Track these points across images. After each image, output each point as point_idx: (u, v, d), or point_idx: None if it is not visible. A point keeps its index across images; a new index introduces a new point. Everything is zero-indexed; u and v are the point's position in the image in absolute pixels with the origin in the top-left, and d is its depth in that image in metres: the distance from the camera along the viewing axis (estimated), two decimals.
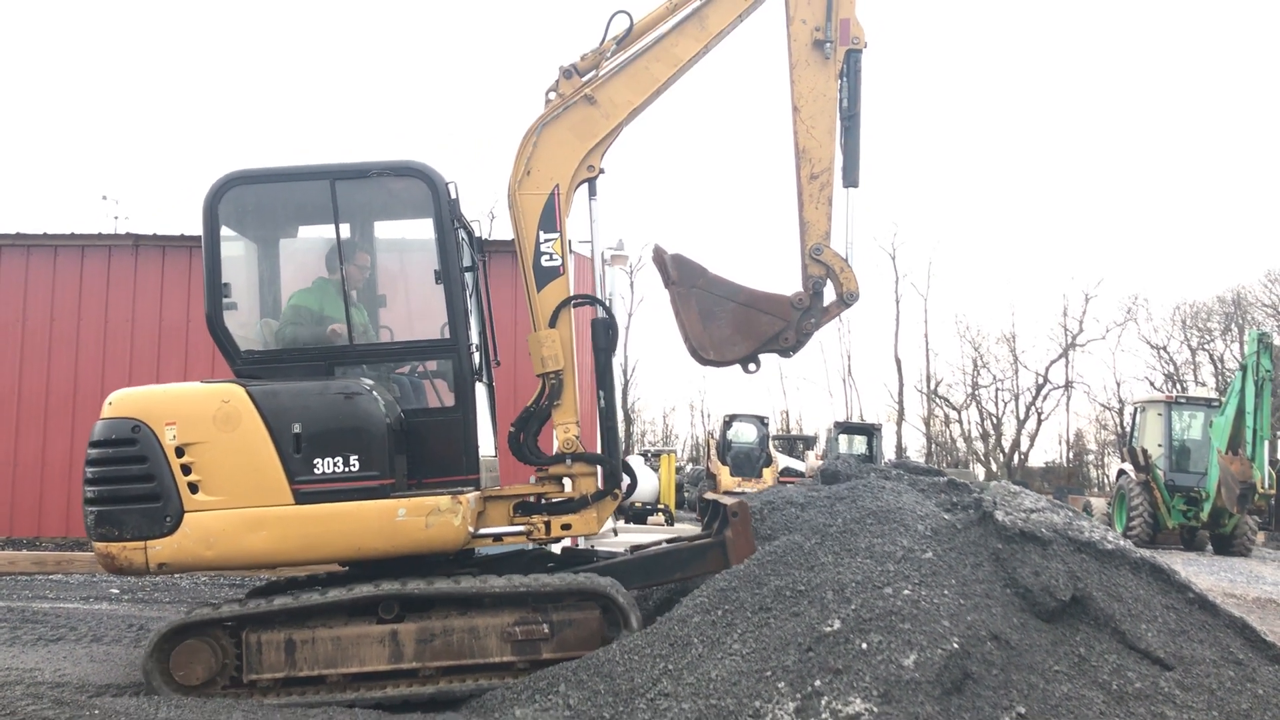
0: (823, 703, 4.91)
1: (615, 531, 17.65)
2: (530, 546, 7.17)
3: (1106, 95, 71.13)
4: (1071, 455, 52.60)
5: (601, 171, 7.02)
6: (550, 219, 6.89)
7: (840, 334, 64.49)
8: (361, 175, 6.75)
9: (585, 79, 6.94)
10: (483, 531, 6.70)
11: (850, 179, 7.02)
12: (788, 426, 55.37)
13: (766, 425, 28.14)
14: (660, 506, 22.31)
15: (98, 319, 14.18)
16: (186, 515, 6.08)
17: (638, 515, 21.58)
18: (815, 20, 6.91)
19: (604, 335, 7.01)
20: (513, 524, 6.81)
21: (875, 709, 4.79)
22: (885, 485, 6.82)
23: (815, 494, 7.62)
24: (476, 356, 6.87)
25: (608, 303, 7.35)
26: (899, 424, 51.84)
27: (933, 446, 53.49)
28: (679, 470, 32.42)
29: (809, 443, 37.86)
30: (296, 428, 6.16)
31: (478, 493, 6.55)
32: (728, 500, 6.96)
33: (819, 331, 7.09)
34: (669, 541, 7.68)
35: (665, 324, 78.18)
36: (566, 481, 6.97)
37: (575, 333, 7.01)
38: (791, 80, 6.97)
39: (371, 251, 7.33)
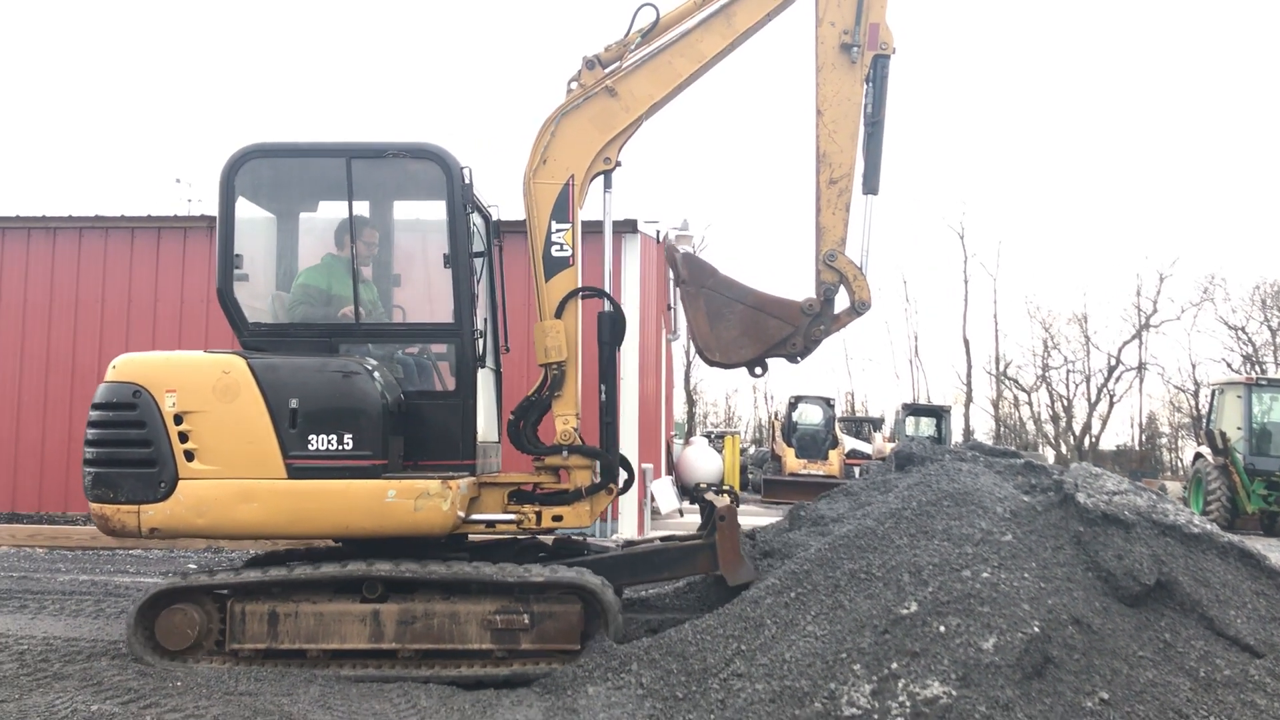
0: (899, 685, 4.85)
1: (681, 512, 17.64)
2: (523, 535, 7.11)
3: (1181, 69, 69.28)
4: (1144, 438, 51.50)
5: (618, 164, 6.97)
6: (563, 209, 6.86)
7: (907, 314, 63.95)
8: (378, 155, 6.79)
9: (608, 70, 6.86)
10: (474, 517, 6.67)
11: (870, 186, 6.84)
12: (853, 408, 54.91)
13: (832, 407, 27.86)
14: (725, 488, 22.17)
15: (174, 298, 14.51)
16: (181, 482, 6.18)
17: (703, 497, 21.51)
18: (844, 23, 6.75)
19: (609, 328, 6.92)
20: (506, 512, 6.79)
21: (954, 692, 4.72)
22: (961, 467, 6.70)
23: (887, 477, 7.53)
24: (481, 343, 6.81)
25: (612, 292, 7.28)
26: (967, 406, 51.08)
27: (1001, 429, 52.69)
28: (743, 452, 32.28)
29: (875, 425, 37.39)
30: (294, 403, 6.22)
31: (472, 478, 6.56)
32: (720, 502, 6.89)
33: (831, 337, 6.96)
34: (664, 540, 7.58)
35: None
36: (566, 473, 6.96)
37: (581, 324, 6.97)
38: (817, 83, 6.81)
39: (387, 230, 7.38)
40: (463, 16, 74.57)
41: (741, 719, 5.00)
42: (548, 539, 7.41)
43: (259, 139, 6.86)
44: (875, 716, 4.77)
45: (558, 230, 6.85)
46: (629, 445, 13.65)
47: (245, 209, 6.93)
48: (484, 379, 7.05)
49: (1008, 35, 71.12)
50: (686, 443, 26.17)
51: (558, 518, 6.77)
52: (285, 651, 6.18)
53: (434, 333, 7.00)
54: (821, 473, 24.60)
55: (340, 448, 6.20)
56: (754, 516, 16.97)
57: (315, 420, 6.21)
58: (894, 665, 4.96)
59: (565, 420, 6.86)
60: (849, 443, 29.21)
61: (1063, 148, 70.61)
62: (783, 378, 74.06)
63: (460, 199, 6.68)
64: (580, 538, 7.90)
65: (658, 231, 16.01)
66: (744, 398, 61.71)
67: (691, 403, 50.71)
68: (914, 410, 30.88)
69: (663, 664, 5.62)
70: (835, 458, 25.39)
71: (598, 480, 6.83)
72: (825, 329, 6.86)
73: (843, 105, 6.78)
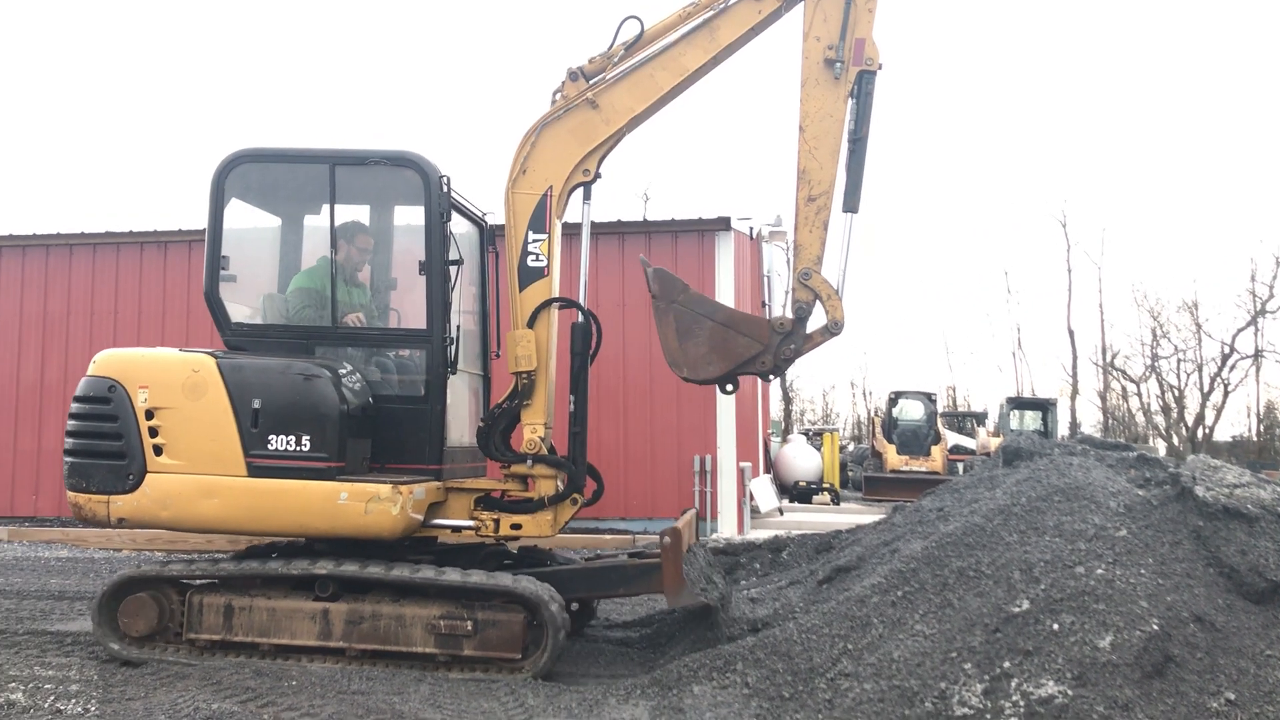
0: (1012, 684, 4.75)
1: (780, 511, 17.52)
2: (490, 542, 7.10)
3: None
4: (1262, 428, 49.54)
5: (598, 176, 6.91)
6: (540, 220, 6.83)
7: (1009, 306, 62.56)
8: (360, 162, 6.95)
9: (591, 83, 6.81)
10: (435, 522, 6.74)
11: (850, 204, 6.61)
12: (955, 402, 53.92)
13: (934, 402, 27.36)
14: (825, 486, 21.99)
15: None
16: (148, 475, 6.43)
17: (802, 495, 21.33)
18: (829, 38, 6.54)
19: (581, 339, 6.91)
20: (470, 518, 6.82)
21: (1070, 691, 4.61)
22: (1071, 461, 6.53)
23: (994, 473, 7.37)
24: (453, 349, 6.85)
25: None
26: (1073, 398, 49.73)
27: (1109, 421, 51.21)
28: (842, 449, 31.93)
29: (979, 419, 36.66)
30: (256, 403, 6.41)
31: (435, 483, 6.66)
32: (662, 532, 6.60)
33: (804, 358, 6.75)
34: (631, 555, 7.45)
35: None
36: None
37: (555, 335, 6.98)
38: (800, 99, 6.61)
39: (385, 235, 7.53)
40: (462, 24, 75.04)
41: (850, 718, 4.94)
42: (513, 546, 7.41)
43: (260, 142, 7.06)
44: (988, 716, 4.68)
45: (534, 240, 6.85)
46: (727, 443, 13.63)
47: (244, 212, 7.19)
48: (461, 384, 7.13)
49: (1111, 20, 69.10)
50: (784, 441, 26.01)
51: (517, 526, 6.78)
52: (239, 644, 6.39)
53: (406, 338, 7.14)
54: (924, 469, 24.21)
55: (298, 448, 6.39)
56: (854, 515, 16.78)
57: (276, 420, 6.41)
58: (1006, 664, 4.85)
59: (533, 429, 6.82)
60: (951, 438, 28.70)
61: (1170, 131, 68.35)
62: (882, 373, 73.22)
63: (437, 206, 6.81)
64: (549, 548, 7.89)
65: (750, 229, 15.94)
66: (841, 394, 61.21)
67: (788, 400, 50.29)
68: (1018, 403, 30.21)
69: (768, 663, 5.58)
70: (938, 453, 24.97)
71: (562, 490, 6.81)
72: (796, 349, 6.64)
73: (824, 122, 6.56)
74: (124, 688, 5.72)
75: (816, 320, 6.68)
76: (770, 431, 25.02)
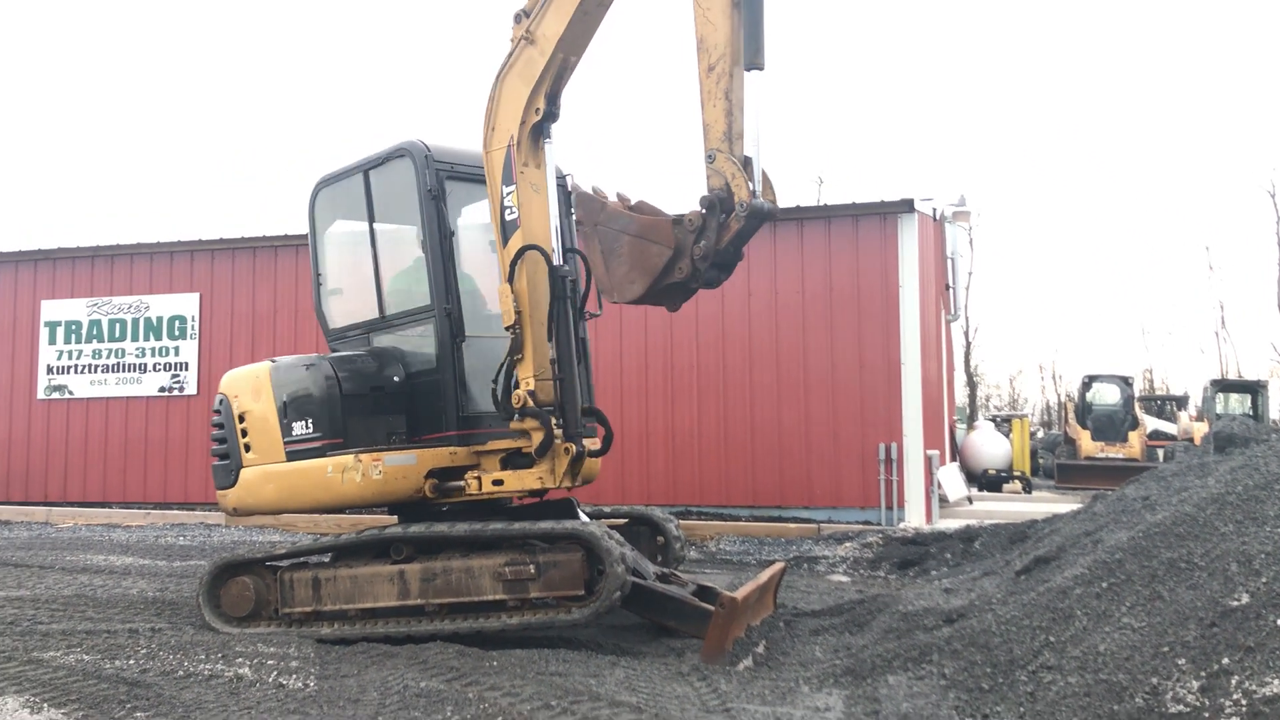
0: (1233, 682, 4.50)
1: (970, 500, 17.06)
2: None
3: None
4: None
5: (553, 114, 6.86)
6: (509, 172, 6.81)
7: (1210, 283, 58.96)
8: (382, 162, 7.58)
9: (530, 19, 6.75)
10: (449, 485, 7.23)
11: (751, 59, 5.97)
12: (1152, 385, 51.25)
13: (1130, 385, 26.09)
14: (1016, 474, 21.29)
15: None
16: (242, 470, 7.53)
17: (991, 483, 20.71)
18: None
19: (557, 284, 6.78)
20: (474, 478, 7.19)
21: None
22: None
23: (1204, 460, 7.01)
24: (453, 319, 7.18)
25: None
26: None
27: None
28: (1032, 435, 30.80)
29: (1179, 403, 34.74)
30: (284, 397, 7.41)
31: (454, 449, 7.18)
32: (726, 594, 6.40)
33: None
34: (700, 589, 7.20)
35: (1008, 285, 74.59)
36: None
37: (542, 286, 6.87)
38: None
39: (468, 227, 7.78)
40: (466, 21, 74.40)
41: (1054, 712, 4.79)
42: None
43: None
44: (1206, 714, 4.45)
45: (507, 193, 6.86)
46: (912, 431, 13.35)
47: (344, 228, 8.15)
48: (490, 350, 7.25)
49: None
50: (972, 427, 25.31)
51: (498, 482, 7.03)
52: (330, 614, 6.91)
53: (416, 316, 7.55)
54: (1121, 455, 23.16)
55: (307, 431, 7.31)
56: (1048, 504, 16.18)
57: (295, 410, 7.37)
58: (1225, 661, 4.60)
59: (526, 383, 6.82)
60: (1150, 423, 27.34)
61: None
62: (1074, 356, 70.16)
63: (423, 184, 7.20)
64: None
65: (934, 210, 15.55)
66: (1029, 378, 58.81)
67: (972, 386, 48.84)
68: (1224, 386, 28.45)
69: (965, 655, 5.47)
70: (1135, 439, 23.84)
71: (544, 441, 6.77)
72: (707, 245, 6.01)
73: None
74: (338, 664, 6.06)
75: None
76: (955, 418, 24.38)
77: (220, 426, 7.69)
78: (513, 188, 6.86)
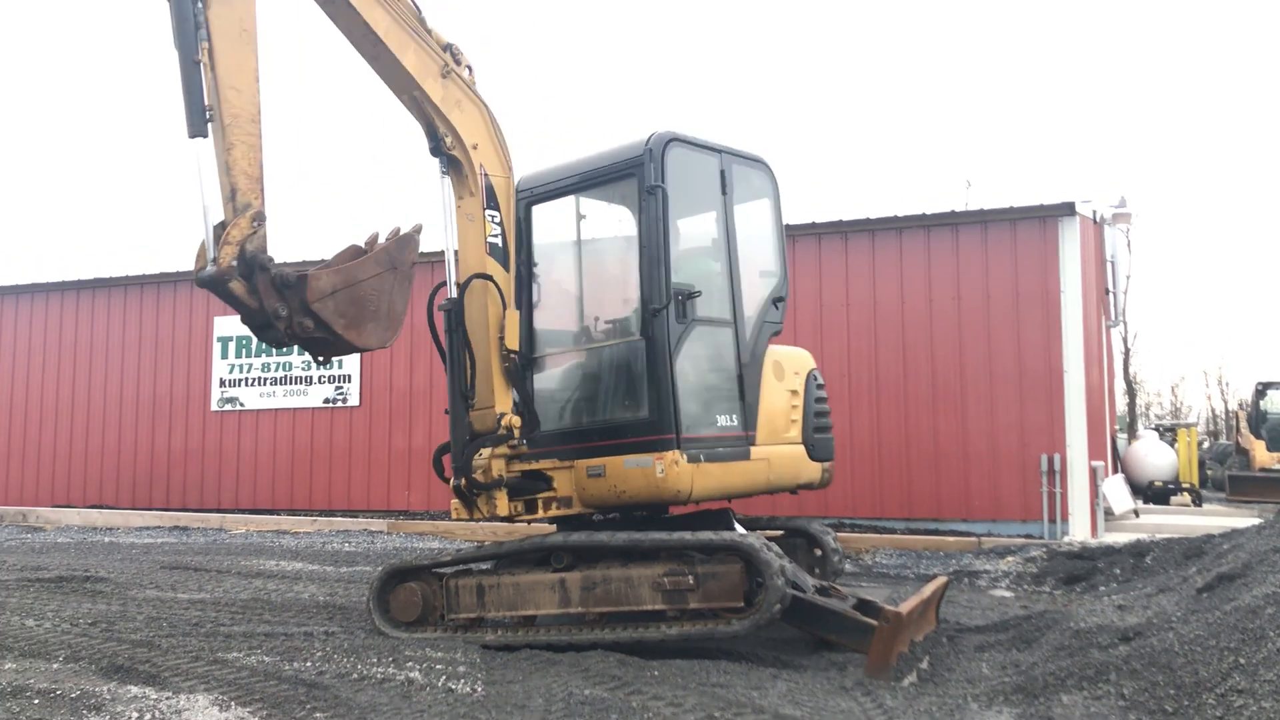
0: None
1: (1136, 513, 16.35)
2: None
3: None
4: None
5: (439, 144, 7.15)
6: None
7: None
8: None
9: None
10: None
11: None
12: None
13: None
14: (1185, 486, 20.34)
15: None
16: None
17: (1158, 495, 19.83)
18: None
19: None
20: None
21: None
22: None
23: None
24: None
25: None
26: None
27: None
28: (1199, 446, 29.39)
29: None
30: None
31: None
32: (889, 608, 6.18)
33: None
34: (861, 603, 6.95)
35: (1168, 290, 71.33)
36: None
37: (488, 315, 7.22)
38: None
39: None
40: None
41: None
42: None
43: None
44: None
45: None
46: (1076, 441, 12.90)
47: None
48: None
49: None
50: (1134, 437, 24.30)
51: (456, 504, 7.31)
52: (493, 620, 7.04)
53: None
54: None
55: None
56: (1221, 517, 15.39)
57: None
58: None
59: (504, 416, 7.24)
60: None
61: None
62: (1243, 363, 66.69)
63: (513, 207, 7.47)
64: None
65: (1094, 212, 14.99)
66: (1193, 386, 56.10)
67: (1132, 394, 46.83)
68: None
69: (1146, 675, 5.24)
70: None
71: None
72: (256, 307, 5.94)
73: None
74: (503, 670, 6.18)
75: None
76: (1116, 428, 23.44)
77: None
78: (496, 211, 7.35)
